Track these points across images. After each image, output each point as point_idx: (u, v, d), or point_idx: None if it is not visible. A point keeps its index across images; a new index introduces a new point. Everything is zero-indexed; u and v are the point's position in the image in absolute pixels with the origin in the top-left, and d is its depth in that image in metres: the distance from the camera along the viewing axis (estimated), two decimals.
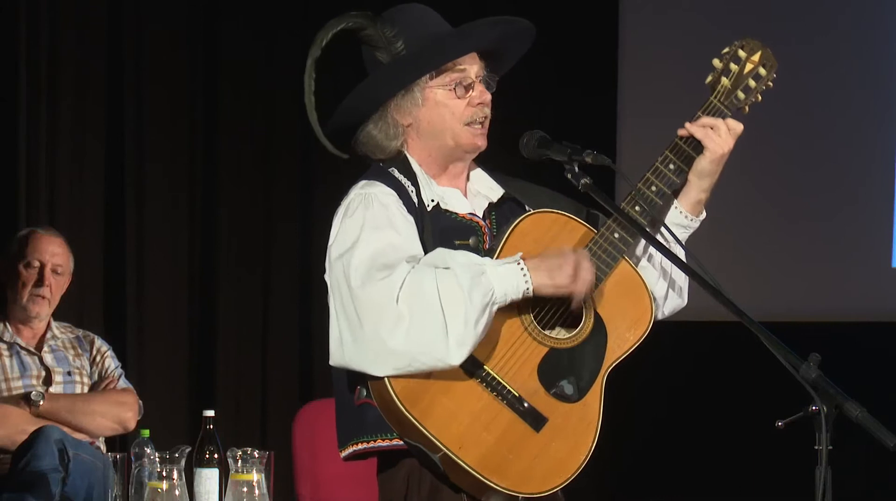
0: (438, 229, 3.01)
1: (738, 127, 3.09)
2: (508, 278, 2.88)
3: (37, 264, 4.84)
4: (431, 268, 2.88)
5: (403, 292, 2.84)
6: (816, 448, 2.54)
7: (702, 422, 6.61)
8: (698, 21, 6.56)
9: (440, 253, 2.93)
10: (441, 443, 2.87)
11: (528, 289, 2.90)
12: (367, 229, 2.94)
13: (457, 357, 2.84)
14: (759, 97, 3.14)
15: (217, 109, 6.43)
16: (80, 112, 6.06)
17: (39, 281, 4.82)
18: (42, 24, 5.91)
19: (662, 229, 3.10)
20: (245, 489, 3.29)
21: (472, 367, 2.90)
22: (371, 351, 2.86)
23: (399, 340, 2.83)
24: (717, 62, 3.12)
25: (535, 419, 2.94)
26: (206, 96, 6.42)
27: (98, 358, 4.91)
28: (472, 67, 3.07)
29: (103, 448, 4.76)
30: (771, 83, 3.14)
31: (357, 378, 2.97)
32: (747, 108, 3.14)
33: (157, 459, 3.38)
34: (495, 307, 2.88)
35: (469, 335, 2.84)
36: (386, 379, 2.87)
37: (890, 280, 6.53)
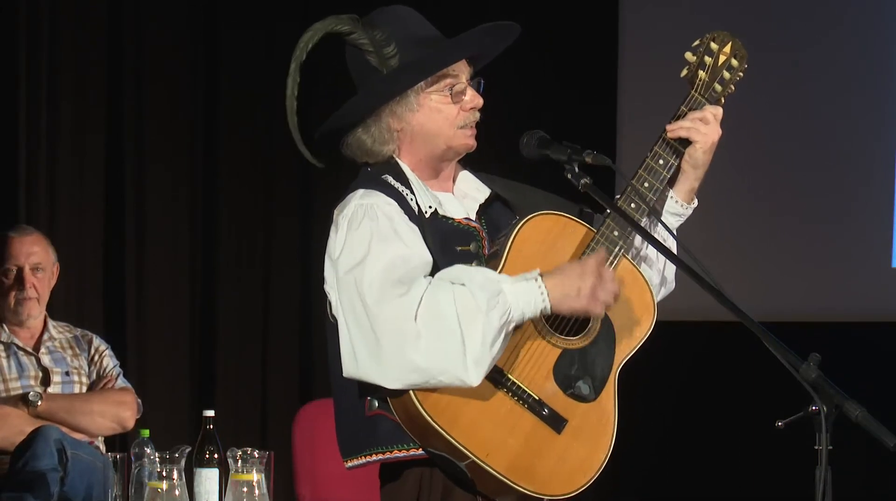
0: (439, 236, 3.00)
1: (719, 111, 3.11)
2: (526, 296, 2.87)
3: (14, 268, 4.83)
4: (449, 286, 2.87)
5: (421, 310, 2.84)
6: (816, 447, 2.54)
7: (701, 422, 6.61)
8: (698, 22, 6.55)
9: (457, 270, 2.92)
10: (469, 451, 2.87)
11: (545, 307, 2.89)
12: (375, 243, 2.91)
13: (475, 378, 2.83)
14: (734, 88, 3.16)
15: (217, 108, 6.43)
16: (80, 112, 6.06)
17: (21, 285, 4.82)
18: (42, 24, 5.92)
19: (658, 225, 3.12)
20: (245, 489, 3.29)
21: (492, 373, 2.90)
22: (388, 366, 2.85)
23: (417, 357, 2.82)
24: (689, 56, 3.13)
25: (556, 422, 2.95)
26: (206, 96, 6.42)
27: (96, 358, 4.90)
28: (463, 71, 3.07)
29: (102, 447, 4.76)
30: (742, 74, 3.16)
31: (368, 390, 2.94)
32: (723, 99, 3.15)
33: (157, 459, 3.38)
34: (512, 326, 2.88)
35: (486, 355, 2.83)
36: (411, 392, 2.86)
37: (890, 280, 6.53)
